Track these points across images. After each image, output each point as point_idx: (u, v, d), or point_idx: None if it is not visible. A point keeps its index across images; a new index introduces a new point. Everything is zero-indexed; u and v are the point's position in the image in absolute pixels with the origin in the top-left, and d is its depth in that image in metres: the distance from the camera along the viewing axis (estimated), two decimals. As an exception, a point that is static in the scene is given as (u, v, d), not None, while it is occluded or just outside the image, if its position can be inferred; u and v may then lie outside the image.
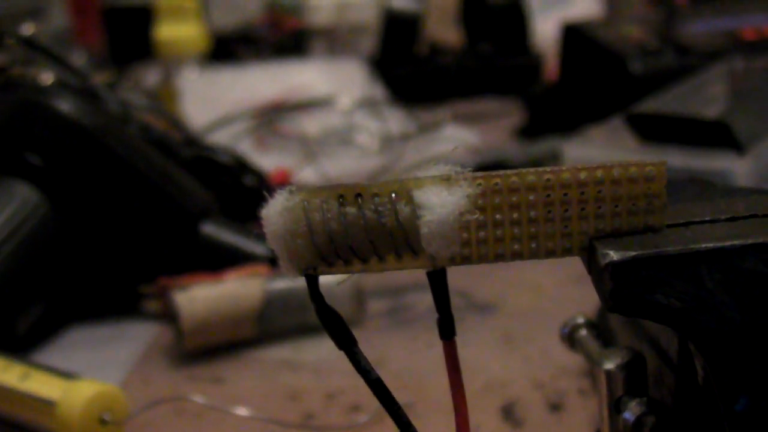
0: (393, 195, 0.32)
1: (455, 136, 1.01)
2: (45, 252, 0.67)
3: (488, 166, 0.89)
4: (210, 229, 0.70)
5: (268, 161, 0.93)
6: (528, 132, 1.07)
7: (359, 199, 0.32)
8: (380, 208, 0.32)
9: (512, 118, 1.14)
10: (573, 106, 1.04)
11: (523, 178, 0.32)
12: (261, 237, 0.67)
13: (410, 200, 0.32)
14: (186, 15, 1.27)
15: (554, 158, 0.87)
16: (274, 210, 0.31)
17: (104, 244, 0.69)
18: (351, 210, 0.32)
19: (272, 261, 0.67)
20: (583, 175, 0.32)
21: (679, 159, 0.71)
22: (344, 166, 0.96)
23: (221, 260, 0.68)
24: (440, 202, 0.31)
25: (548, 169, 0.32)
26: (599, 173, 0.33)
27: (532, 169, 0.32)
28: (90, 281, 0.70)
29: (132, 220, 0.68)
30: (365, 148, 0.99)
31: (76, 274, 0.69)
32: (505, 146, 1.00)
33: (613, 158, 0.74)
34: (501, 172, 0.33)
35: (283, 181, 0.90)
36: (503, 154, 0.91)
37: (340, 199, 0.32)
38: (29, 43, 0.84)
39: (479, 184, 0.32)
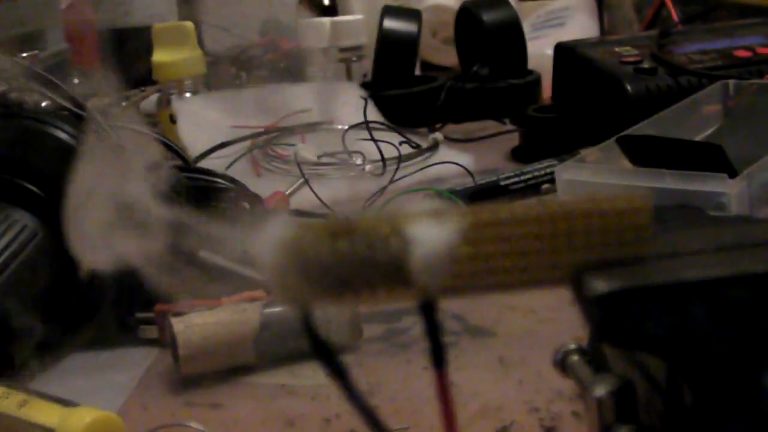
0: (384, 230, 0.32)
1: (450, 159, 1.01)
2: (44, 278, 0.67)
3: (483, 189, 0.90)
4: (207, 254, 0.70)
5: (263, 185, 0.93)
6: (523, 154, 1.08)
7: (351, 235, 0.32)
8: (372, 243, 0.32)
9: (507, 140, 1.15)
10: (567, 127, 1.05)
11: (512, 212, 0.33)
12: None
13: (401, 235, 0.32)
14: (183, 39, 1.27)
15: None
16: (267, 245, 0.32)
17: (101, 271, 0.69)
18: (343, 245, 0.32)
19: (268, 287, 0.68)
20: (571, 208, 0.33)
21: (672, 181, 0.72)
22: (340, 189, 0.96)
23: (219, 286, 0.68)
24: (430, 237, 0.32)
25: (537, 202, 0.33)
26: (587, 206, 0.33)
27: (521, 202, 0.33)
28: (87, 308, 0.70)
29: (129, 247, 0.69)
30: (361, 172, 0.99)
31: (74, 301, 0.69)
32: (500, 168, 1.01)
33: (606, 182, 0.75)
34: (490, 205, 0.33)
35: (279, 205, 0.91)
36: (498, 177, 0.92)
37: (333, 235, 0.32)
38: (27, 69, 0.84)
39: (469, 218, 0.33)
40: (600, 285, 0.33)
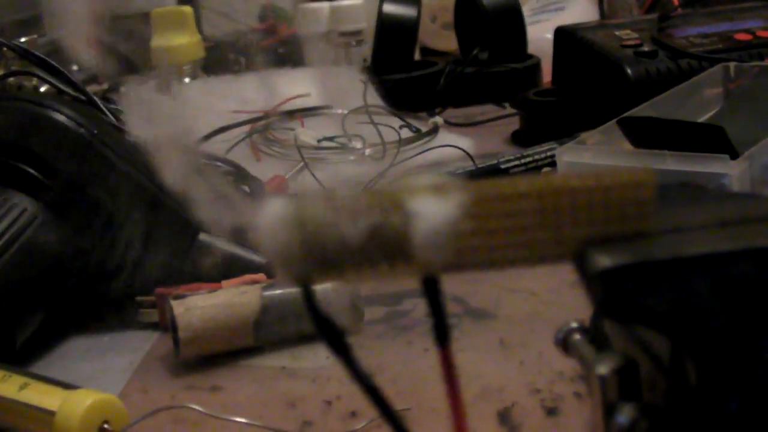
0: (386, 204, 0.32)
1: (450, 143, 1.01)
2: (43, 262, 0.67)
3: (483, 172, 0.89)
4: (207, 238, 0.70)
5: (263, 170, 0.93)
6: (523, 138, 1.08)
7: (353, 210, 0.32)
8: (374, 218, 0.32)
9: (507, 124, 1.14)
10: (568, 111, 1.05)
11: (514, 186, 0.33)
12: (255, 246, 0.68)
13: (403, 209, 0.32)
14: (181, 24, 1.27)
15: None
16: (268, 220, 0.32)
17: (103, 254, 0.69)
18: (345, 220, 0.32)
19: (269, 269, 0.68)
20: (574, 183, 0.33)
21: (673, 163, 0.71)
22: (340, 173, 0.96)
23: (219, 269, 0.68)
24: (433, 211, 0.32)
25: (539, 177, 0.33)
26: (590, 181, 0.33)
27: (523, 177, 0.33)
28: (88, 291, 0.70)
29: (129, 230, 0.69)
30: (360, 156, 0.99)
31: (74, 284, 0.69)
32: (500, 152, 1.01)
33: (607, 164, 0.75)
34: (493, 180, 0.33)
35: (279, 189, 0.90)
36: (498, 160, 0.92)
37: (335, 210, 0.32)
38: (26, 53, 0.84)
39: (471, 193, 0.32)
40: (603, 260, 0.32)
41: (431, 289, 0.33)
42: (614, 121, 0.81)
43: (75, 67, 1.58)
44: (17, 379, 0.56)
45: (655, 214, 0.34)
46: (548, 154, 0.91)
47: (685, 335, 0.32)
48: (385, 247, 0.32)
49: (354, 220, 0.32)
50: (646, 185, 0.33)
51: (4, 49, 0.98)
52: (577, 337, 0.45)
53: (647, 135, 0.78)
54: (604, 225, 0.33)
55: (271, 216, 0.32)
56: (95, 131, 0.69)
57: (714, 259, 0.33)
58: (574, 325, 0.46)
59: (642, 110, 0.85)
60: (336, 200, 0.32)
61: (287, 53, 1.47)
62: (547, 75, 1.18)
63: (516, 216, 0.33)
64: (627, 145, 0.80)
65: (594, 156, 0.78)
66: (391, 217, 0.32)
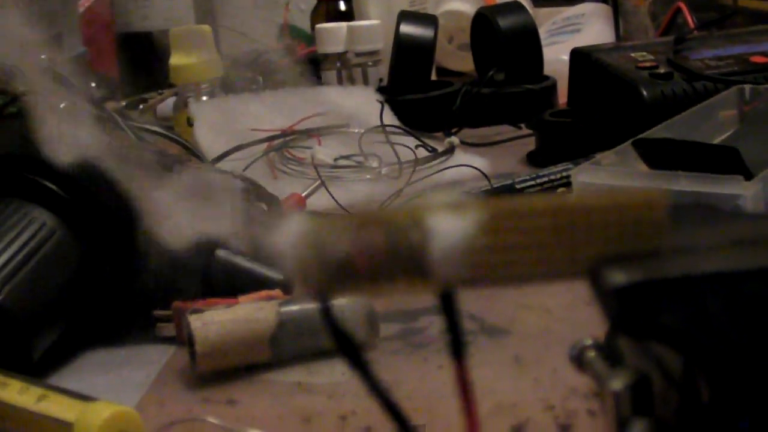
0: (404, 221, 0.33)
1: (466, 163, 1.01)
2: (61, 276, 0.68)
3: (498, 192, 0.90)
4: (225, 254, 0.71)
5: (280, 187, 0.93)
6: (538, 158, 1.08)
7: (372, 226, 0.33)
8: (392, 234, 0.32)
9: (523, 145, 1.15)
10: (583, 132, 1.05)
11: (530, 204, 0.33)
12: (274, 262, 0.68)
13: (421, 226, 0.32)
14: (200, 42, 1.28)
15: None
16: (288, 236, 0.32)
17: (120, 268, 0.70)
18: (364, 236, 0.32)
19: (285, 286, 0.68)
20: (589, 201, 0.33)
21: (688, 184, 0.72)
22: (356, 192, 0.97)
23: (236, 285, 0.69)
24: (450, 228, 0.32)
25: (556, 195, 0.33)
26: (605, 200, 0.33)
27: (540, 195, 0.33)
28: (106, 304, 0.71)
29: (147, 245, 0.69)
30: (376, 175, 0.99)
31: (92, 298, 0.70)
32: (516, 172, 1.01)
33: (622, 184, 0.75)
34: (509, 198, 0.34)
35: (296, 207, 0.91)
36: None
37: (354, 226, 0.33)
38: (45, 70, 0.85)
39: (488, 210, 0.33)
40: (618, 277, 0.33)
41: (447, 305, 0.34)
42: (629, 142, 0.82)
43: (93, 84, 1.59)
44: (35, 391, 0.57)
45: (669, 234, 0.34)
46: (563, 174, 0.91)
47: (698, 352, 0.33)
48: (402, 262, 0.33)
49: (372, 236, 0.33)
50: (660, 205, 0.34)
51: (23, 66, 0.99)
52: (591, 353, 0.46)
53: (662, 156, 0.78)
54: (619, 243, 0.34)
55: (290, 232, 0.33)
56: (113, 148, 0.70)
57: (726, 277, 0.33)
58: (588, 342, 0.46)
59: (657, 132, 0.85)
60: (354, 217, 0.33)
61: (305, 72, 1.48)
62: (563, 96, 1.19)
63: (531, 233, 0.33)
64: (642, 166, 0.80)
65: (609, 177, 0.78)
66: (409, 233, 0.33)
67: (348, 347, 0.35)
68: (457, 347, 0.34)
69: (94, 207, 0.69)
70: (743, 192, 0.70)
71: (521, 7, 1.33)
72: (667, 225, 0.34)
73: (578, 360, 0.46)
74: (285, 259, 0.33)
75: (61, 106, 0.96)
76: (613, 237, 0.34)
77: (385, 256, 0.33)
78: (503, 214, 0.33)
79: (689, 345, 0.33)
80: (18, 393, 0.57)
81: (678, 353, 0.37)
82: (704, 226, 0.38)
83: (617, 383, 0.39)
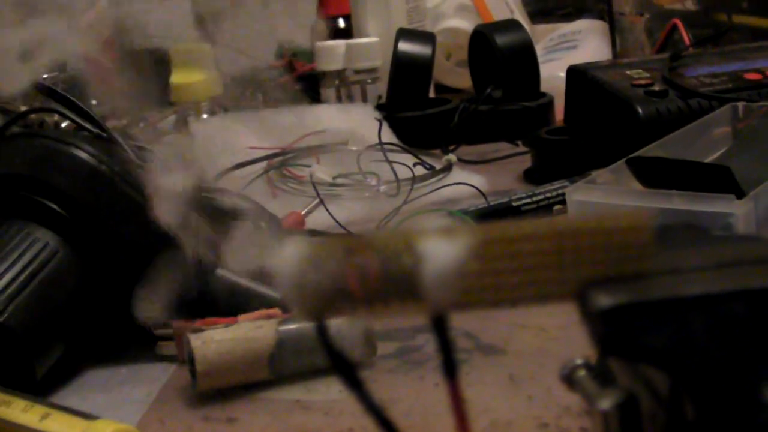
0: (397, 246, 0.34)
1: (463, 180, 1.02)
2: (64, 295, 0.69)
3: (496, 210, 0.91)
4: (225, 273, 0.72)
5: (280, 206, 0.94)
6: (535, 175, 1.09)
7: (366, 251, 0.34)
8: (385, 259, 0.33)
9: (520, 162, 1.16)
10: (579, 149, 1.06)
11: (519, 229, 0.34)
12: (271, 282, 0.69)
13: (413, 251, 0.33)
14: (200, 61, 1.29)
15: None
16: (285, 261, 0.33)
17: (122, 288, 0.70)
18: (358, 261, 0.33)
19: (284, 305, 0.69)
20: (576, 226, 0.34)
21: (680, 202, 0.73)
22: (354, 209, 0.97)
23: (235, 304, 0.70)
24: (441, 253, 0.33)
25: (544, 220, 0.34)
26: (592, 224, 0.34)
27: (528, 220, 0.34)
28: (107, 324, 0.72)
29: (149, 265, 0.70)
30: (375, 193, 1.00)
31: (94, 317, 0.71)
32: (513, 189, 1.02)
33: (615, 203, 0.76)
34: (499, 223, 0.35)
35: (296, 225, 0.92)
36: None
37: (348, 251, 0.34)
38: (49, 91, 0.86)
39: (478, 235, 0.34)
40: (603, 300, 0.34)
41: (440, 327, 0.35)
42: (623, 160, 0.83)
43: (94, 102, 1.59)
44: (39, 409, 0.58)
45: (655, 256, 0.35)
46: (559, 192, 0.92)
47: (682, 372, 0.34)
48: (396, 286, 0.34)
49: (366, 261, 0.34)
50: (645, 228, 0.35)
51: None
52: (581, 373, 0.47)
53: (655, 175, 0.79)
54: (606, 266, 0.35)
55: (287, 256, 0.34)
56: (116, 168, 0.71)
57: (710, 299, 0.34)
58: (579, 361, 0.47)
59: (651, 150, 0.86)
60: (349, 242, 0.34)
61: (304, 90, 1.49)
62: (559, 113, 1.20)
63: (520, 257, 0.34)
64: (636, 185, 0.81)
65: (603, 195, 0.79)
66: (402, 258, 0.34)
67: (343, 366, 0.36)
68: (450, 368, 0.35)
69: (96, 227, 0.70)
70: (734, 210, 0.71)
71: (518, 25, 1.34)
72: (652, 248, 0.35)
73: (569, 379, 0.47)
74: (281, 282, 0.34)
75: (63, 125, 0.97)
76: (599, 260, 0.35)
77: (378, 279, 0.34)
78: (493, 239, 0.34)
79: (673, 365, 0.34)
80: (22, 411, 0.58)
81: (664, 373, 0.38)
82: (690, 247, 0.39)
83: (605, 402, 0.40)
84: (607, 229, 0.35)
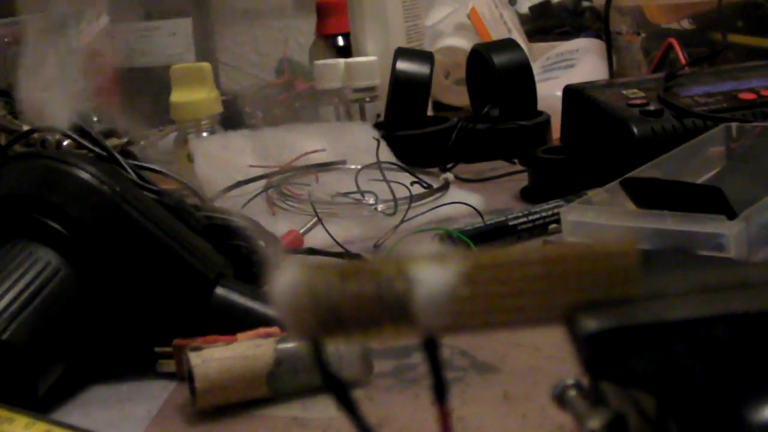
0: (390, 271, 0.35)
1: (460, 199, 1.04)
2: (65, 313, 0.70)
3: (492, 229, 0.92)
4: (224, 292, 0.73)
5: (278, 224, 0.95)
6: (532, 194, 1.10)
7: (359, 276, 0.35)
8: (378, 284, 0.35)
9: (517, 180, 1.17)
10: (575, 168, 1.07)
11: (509, 256, 0.35)
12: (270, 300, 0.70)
13: (406, 276, 0.35)
14: (200, 80, 1.30)
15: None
16: (282, 286, 0.35)
17: (122, 306, 0.71)
18: (352, 285, 0.35)
19: (282, 324, 0.70)
20: (564, 252, 0.36)
21: (673, 223, 0.74)
22: (353, 228, 0.98)
23: (235, 322, 0.71)
24: (432, 278, 0.34)
25: (533, 247, 0.36)
26: (579, 250, 0.36)
27: (518, 247, 0.36)
28: (108, 341, 0.73)
29: (149, 284, 0.71)
30: (373, 212, 1.01)
31: (95, 335, 0.72)
32: (509, 208, 1.03)
33: (609, 223, 0.77)
34: (490, 250, 0.36)
35: (295, 245, 0.93)
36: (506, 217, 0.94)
37: (342, 276, 0.35)
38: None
39: (469, 261, 0.35)
40: (590, 324, 0.35)
41: (431, 350, 0.36)
42: (618, 180, 0.84)
43: (95, 119, 1.61)
44: (41, 426, 0.59)
45: (641, 281, 0.36)
46: (555, 211, 0.93)
47: (667, 395, 0.35)
48: (389, 310, 0.35)
49: (360, 286, 0.35)
50: (632, 254, 0.36)
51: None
52: (572, 393, 0.48)
53: (649, 195, 0.80)
54: (593, 291, 0.36)
55: (284, 281, 0.35)
56: (117, 188, 0.72)
57: (694, 323, 0.35)
58: (570, 381, 0.48)
59: (646, 170, 0.87)
60: (344, 267, 0.35)
61: (303, 108, 1.50)
62: (556, 131, 1.21)
63: (510, 283, 0.35)
64: (630, 205, 0.82)
65: (597, 216, 0.80)
66: (395, 283, 0.35)
67: (336, 387, 0.37)
68: (440, 391, 0.36)
69: (97, 246, 0.71)
70: (725, 231, 0.72)
71: (516, 45, 1.36)
72: (638, 272, 0.36)
73: (560, 399, 0.48)
74: (278, 305, 0.35)
75: (64, 143, 0.98)
76: (587, 285, 0.36)
77: (372, 304, 0.35)
78: (483, 264, 0.35)
79: (657, 387, 0.35)
80: (24, 428, 0.59)
81: (650, 395, 0.39)
82: (676, 271, 0.40)
83: (594, 422, 0.41)
84: (594, 255, 0.36)
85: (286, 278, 0.35)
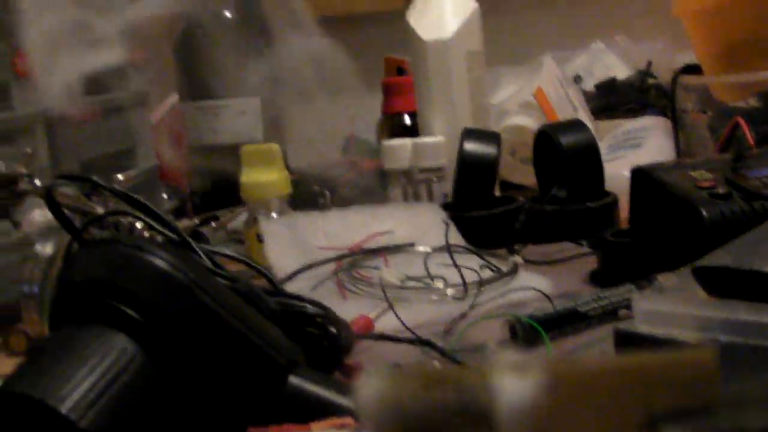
0: (472, 381, 0.35)
1: (529, 283, 1.04)
2: (141, 402, 0.71)
3: (561, 315, 0.92)
4: (297, 380, 0.74)
5: (349, 308, 0.96)
6: (601, 278, 1.10)
7: (443, 385, 0.35)
8: (461, 394, 0.35)
9: (585, 263, 1.17)
10: (644, 252, 1.07)
11: (590, 366, 0.36)
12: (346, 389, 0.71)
13: (489, 387, 0.35)
14: (270, 160, 1.31)
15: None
16: (367, 396, 0.35)
17: (196, 394, 0.72)
18: (436, 396, 0.35)
19: (357, 414, 0.70)
20: (643, 362, 0.36)
21: (746, 314, 0.73)
22: (422, 313, 0.99)
23: (308, 411, 0.71)
24: (515, 389, 0.35)
25: (613, 357, 0.36)
26: (657, 359, 0.36)
27: (597, 359, 0.36)
28: (181, 429, 0.73)
29: (223, 371, 0.72)
30: (442, 296, 1.02)
31: (168, 423, 0.73)
32: (578, 292, 1.03)
33: (681, 311, 0.77)
34: (571, 359, 0.36)
35: (365, 329, 0.94)
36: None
37: (426, 386, 0.35)
38: (126, 197, 0.89)
39: (550, 371, 0.36)
40: (672, 434, 0.35)
41: (513, 459, 0.36)
42: (689, 267, 0.83)
43: (165, 196, 1.63)
44: None
45: (720, 388, 0.37)
46: (625, 296, 0.93)
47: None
48: (471, 420, 0.35)
49: (444, 395, 0.35)
50: (710, 362, 0.36)
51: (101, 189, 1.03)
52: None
53: (719, 283, 0.80)
54: (673, 399, 0.36)
55: (369, 391, 0.35)
56: (191, 275, 0.73)
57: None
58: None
59: (717, 255, 0.87)
60: (427, 375, 0.36)
61: (370, 187, 1.51)
62: (624, 211, 1.21)
63: (590, 394, 0.36)
64: (702, 293, 0.82)
65: (669, 305, 0.80)
66: (478, 393, 0.35)
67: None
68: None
69: (171, 333, 0.72)
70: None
71: (583, 126, 1.36)
72: (717, 381, 0.37)
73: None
74: (362, 419, 0.36)
75: (138, 226, 1.00)
76: (667, 395, 0.36)
77: (455, 414, 0.35)
78: (563, 375, 0.36)
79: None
80: None
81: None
82: (754, 374, 0.40)
83: None
84: (673, 364, 0.36)
85: (371, 388, 0.35)
